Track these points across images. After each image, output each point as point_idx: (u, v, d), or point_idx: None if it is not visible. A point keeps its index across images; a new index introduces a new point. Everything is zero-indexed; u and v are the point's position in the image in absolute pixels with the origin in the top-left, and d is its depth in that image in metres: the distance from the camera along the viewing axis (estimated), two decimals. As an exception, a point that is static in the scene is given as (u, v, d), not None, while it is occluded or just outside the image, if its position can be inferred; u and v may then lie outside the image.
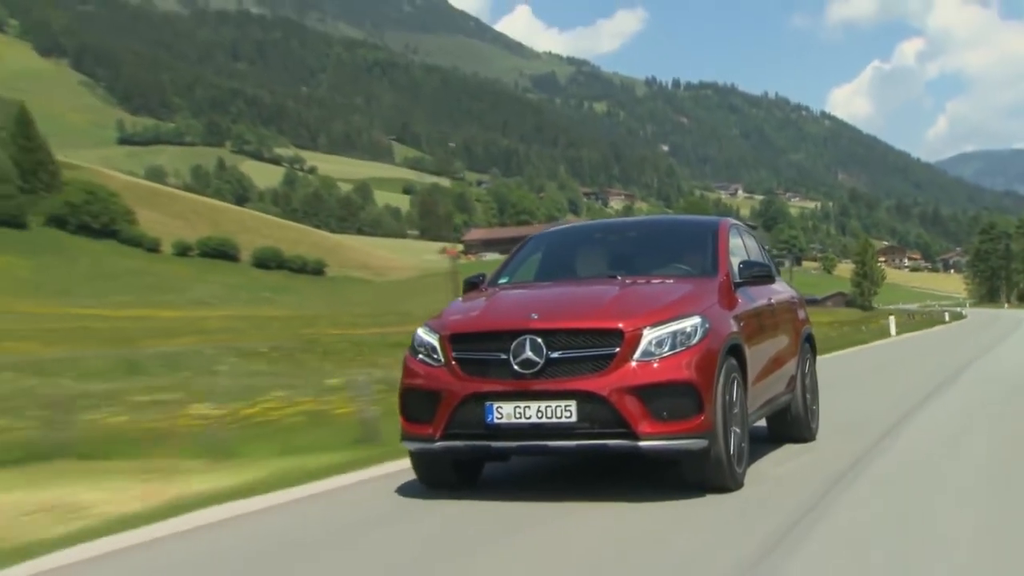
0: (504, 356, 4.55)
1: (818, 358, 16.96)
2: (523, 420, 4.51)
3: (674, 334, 4.59)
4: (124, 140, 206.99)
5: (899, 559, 3.60)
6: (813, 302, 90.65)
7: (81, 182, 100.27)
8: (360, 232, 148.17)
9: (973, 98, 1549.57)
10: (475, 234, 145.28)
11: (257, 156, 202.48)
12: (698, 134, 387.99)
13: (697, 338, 4.62)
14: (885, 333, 31.21)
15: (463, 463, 5.05)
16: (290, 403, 8.60)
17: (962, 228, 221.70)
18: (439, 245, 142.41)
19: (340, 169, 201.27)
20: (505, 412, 4.53)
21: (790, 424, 6.47)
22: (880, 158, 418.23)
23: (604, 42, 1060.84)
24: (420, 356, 4.87)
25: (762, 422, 6.31)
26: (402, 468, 5.50)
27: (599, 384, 4.46)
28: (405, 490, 5.13)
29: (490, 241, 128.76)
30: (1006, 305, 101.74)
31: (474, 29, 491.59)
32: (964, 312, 66.55)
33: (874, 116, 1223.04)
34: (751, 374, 5.21)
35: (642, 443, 4.45)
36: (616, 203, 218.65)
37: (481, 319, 4.91)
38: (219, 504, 4.99)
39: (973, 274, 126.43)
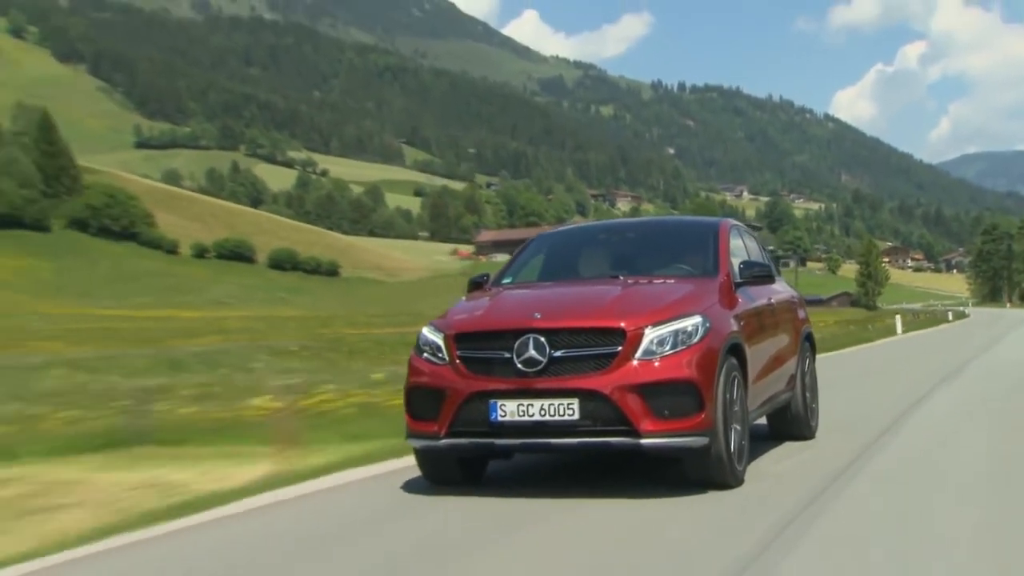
0: (508, 355, 4.59)
1: (831, 354, 18.73)
2: (526, 418, 4.54)
3: (675, 333, 4.62)
4: (140, 144, 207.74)
5: (896, 554, 3.64)
6: (818, 302, 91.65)
7: (101, 186, 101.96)
8: (372, 234, 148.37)
9: (975, 100, 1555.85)
10: (485, 236, 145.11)
11: (270, 159, 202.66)
12: (703, 136, 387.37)
13: (698, 337, 4.65)
14: (891, 331, 31.74)
15: (468, 460, 5.08)
16: (343, 396, 8.85)
17: (965, 229, 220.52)
18: (450, 246, 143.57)
19: (352, 172, 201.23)
20: (509, 410, 4.56)
21: (790, 422, 6.48)
22: (883, 160, 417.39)
23: (610, 46, 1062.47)
24: (425, 355, 4.91)
25: (762, 420, 6.31)
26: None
27: (601, 382, 4.49)
28: (410, 486, 5.18)
29: (500, 242, 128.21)
30: (1008, 305, 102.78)
31: (482, 34, 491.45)
32: (967, 312, 66.83)
33: (877, 118, 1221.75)
34: (751, 373, 5.24)
35: (644, 441, 4.48)
36: (623, 204, 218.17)
37: (485, 318, 4.94)
38: (302, 482, 5.50)
39: (975, 274, 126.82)
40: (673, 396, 4.52)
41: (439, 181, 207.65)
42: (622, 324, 4.60)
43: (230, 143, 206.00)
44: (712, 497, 4.64)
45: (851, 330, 31.13)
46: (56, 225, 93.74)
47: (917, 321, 44.14)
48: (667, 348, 4.58)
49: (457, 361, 4.73)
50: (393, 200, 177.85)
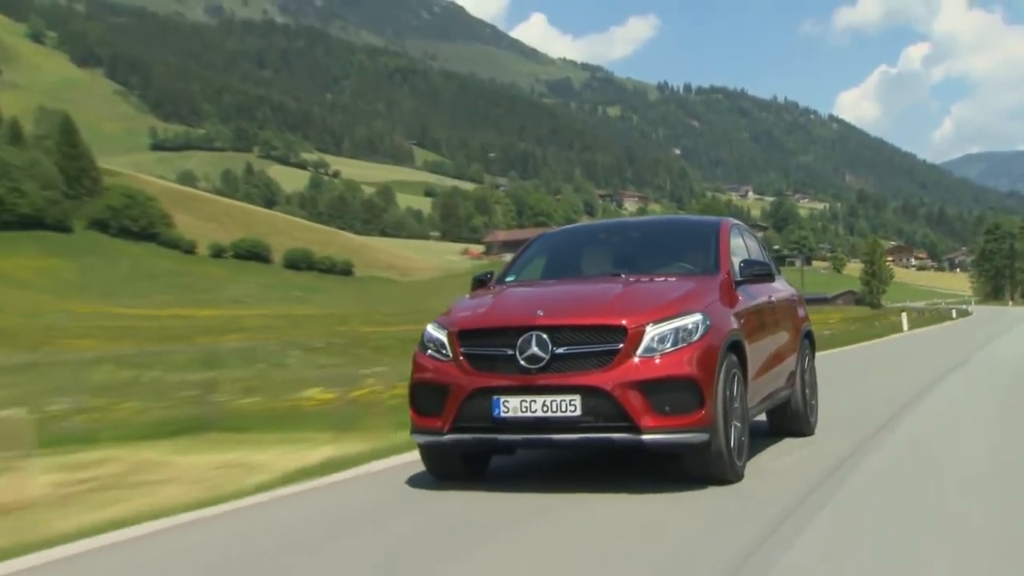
0: (511, 351, 4.62)
1: (843, 349, 20.39)
2: (529, 414, 4.57)
3: (676, 330, 4.64)
4: (156, 146, 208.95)
5: (888, 540, 3.70)
6: (824, 300, 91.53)
7: (121, 187, 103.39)
8: (384, 234, 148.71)
9: (978, 101, 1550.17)
10: (495, 235, 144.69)
11: (283, 161, 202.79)
12: (709, 137, 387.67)
13: (698, 334, 4.67)
14: (897, 328, 32.20)
15: (471, 456, 5.09)
16: (389, 388, 9.09)
17: (967, 228, 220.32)
18: (461, 246, 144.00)
19: (363, 173, 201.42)
20: (511, 406, 4.58)
21: (790, 419, 6.51)
22: (887, 160, 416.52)
23: (617, 48, 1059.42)
24: (429, 351, 4.93)
25: (762, 417, 6.32)
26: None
27: (603, 379, 4.51)
28: (415, 481, 5.20)
29: (510, 242, 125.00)
30: (1010, 303, 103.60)
31: (491, 36, 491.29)
32: (970, 309, 67.01)
33: (881, 119, 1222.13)
34: (751, 370, 5.26)
35: (645, 437, 4.50)
36: (630, 204, 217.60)
37: (488, 316, 4.96)
38: (366, 463, 5.83)
39: (978, 273, 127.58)
40: (674, 393, 4.55)
41: (449, 182, 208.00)
42: (623, 321, 4.64)
43: (244, 145, 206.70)
44: (712, 492, 4.67)
45: (859, 327, 31.65)
46: (78, 226, 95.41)
47: (922, 318, 44.57)
48: (668, 345, 4.62)
49: (461, 358, 4.76)
50: (404, 200, 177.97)
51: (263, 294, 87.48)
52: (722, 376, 4.75)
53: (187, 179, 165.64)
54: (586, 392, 4.53)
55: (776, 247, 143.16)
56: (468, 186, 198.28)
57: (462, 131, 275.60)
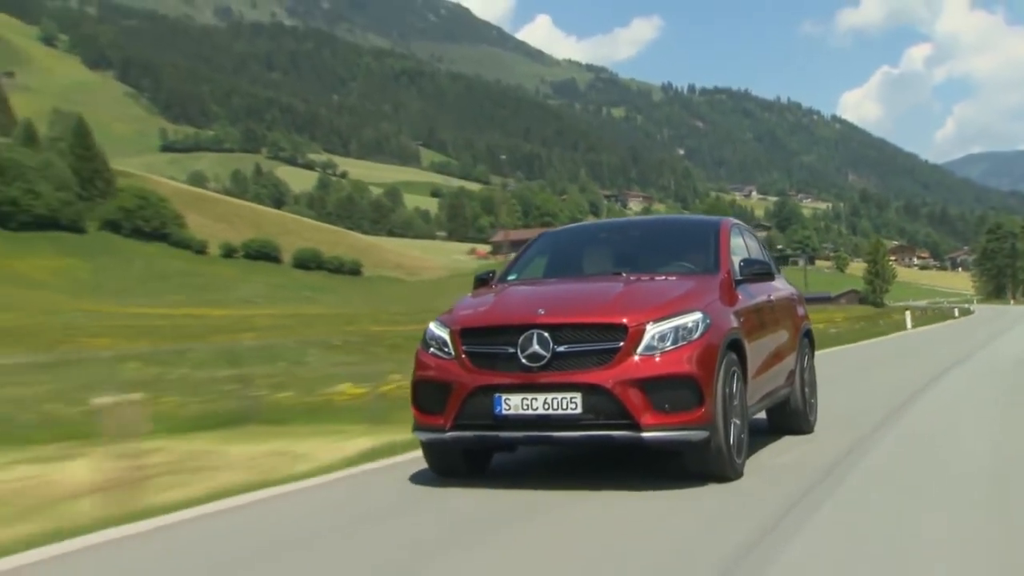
0: (512, 350, 4.63)
1: (850, 346, 21.01)
2: (530, 411, 4.58)
3: (676, 329, 4.65)
4: (166, 148, 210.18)
5: (888, 537, 3.72)
6: (827, 299, 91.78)
7: (133, 188, 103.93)
8: (391, 234, 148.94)
9: (980, 101, 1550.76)
10: (502, 235, 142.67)
11: (292, 162, 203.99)
12: (713, 137, 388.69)
13: (698, 333, 4.68)
14: (901, 327, 32.43)
15: (472, 453, 5.10)
16: None
17: (969, 227, 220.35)
18: (467, 246, 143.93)
19: (370, 174, 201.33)
20: (513, 404, 4.60)
21: (789, 416, 6.54)
22: (889, 160, 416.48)
23: (621, 49, 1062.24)
24: (432, 349, 4.95)
25: (762, 415, 6.32)
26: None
27: (603, 377, 4.52)
28: (417, 478, 5.22)
29: (516, 242, 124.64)
30: (1012, 302, 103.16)
31: (496, 38, 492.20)
32: (972, 308, 67.20)
33: (883, 119, 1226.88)
34: (751, 368, 5.27)
35: (645, 434, 4.51)
36: (635, 205, 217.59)
37: (490, 314, 4.98)
38: (402, 453, 6.07)
39: (980, 272, 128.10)
40: (674, 391, 4.57)
41: (455, 182, 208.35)
42: (624, 320, 4.64)
43: (252, 146, 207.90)
44: (712, 489, 4.68)
45: (863, 326, 31.94)
46: (91, 226, 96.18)
47: (925, 317, 44.81)
48: (668, 344, 4.62)
49: (463, 356, 4.78)
50: (411, 201, 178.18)
51: (273, 294, 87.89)
52: (722, 374, 4.78)
53: (197, 180, 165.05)
54: (587, 390, 4.56)
55: (780, 247, 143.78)
56: (474, 186, 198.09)
57: (468, 132, 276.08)
